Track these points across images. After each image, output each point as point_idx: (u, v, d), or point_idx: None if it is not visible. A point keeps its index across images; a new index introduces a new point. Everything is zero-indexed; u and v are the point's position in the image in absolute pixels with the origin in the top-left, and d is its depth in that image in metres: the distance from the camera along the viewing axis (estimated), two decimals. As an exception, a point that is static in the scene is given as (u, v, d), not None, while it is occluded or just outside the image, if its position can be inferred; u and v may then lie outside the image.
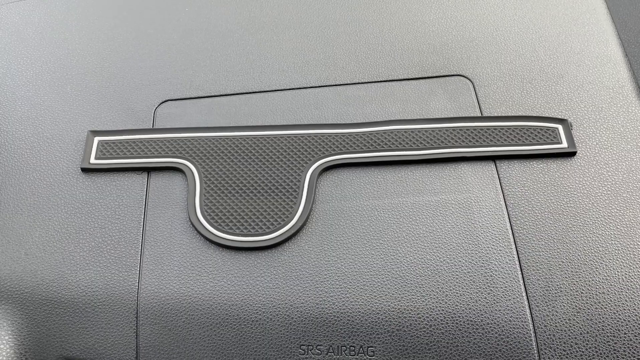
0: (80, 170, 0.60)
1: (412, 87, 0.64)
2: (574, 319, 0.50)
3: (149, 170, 0.59)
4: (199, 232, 0.55)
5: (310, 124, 0.61)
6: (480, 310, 0.50)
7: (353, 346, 0.50)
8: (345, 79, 0.65)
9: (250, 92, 0.65)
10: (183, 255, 0.54)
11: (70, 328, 0.53)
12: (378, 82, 0.65)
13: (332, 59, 0.67)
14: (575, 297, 0.51)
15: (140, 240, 0.55)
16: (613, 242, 0.53)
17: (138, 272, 0.54)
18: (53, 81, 0.67)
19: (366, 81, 0.65)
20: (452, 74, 0.65)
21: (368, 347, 0.50)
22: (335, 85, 0.65)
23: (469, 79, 0.64)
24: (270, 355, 0.51)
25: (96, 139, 0.61)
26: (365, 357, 0.50)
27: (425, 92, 0.63)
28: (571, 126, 0.60)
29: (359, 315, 0.51)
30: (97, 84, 0.66)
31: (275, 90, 0.65)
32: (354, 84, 0.65)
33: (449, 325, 0.50)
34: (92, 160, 0.60)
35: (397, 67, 0.66)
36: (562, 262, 0.52)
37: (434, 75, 0.65)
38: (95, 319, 0.53)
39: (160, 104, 0.64)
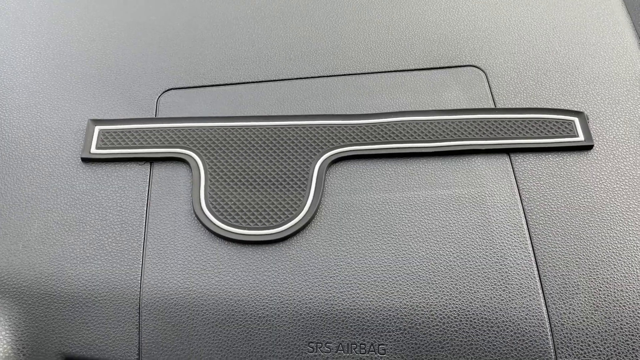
0: (80, 160, 0.58)
1: (424, 77, 0.62)
2: (592, 317, 0.48)
3: (151, 160, 0.58)
4: (203, 225, 0.53)
5: (318, 115, 0.59)
6: (495, 307, 0.49)
7: (363, 344, 0.49)
8: (354, 68, 0.63)
9: (256, 82, 0.63)
10: (187, 248, 0.53)
11: (69, 324, 0.51)
12: (388, 72, 0.63)
13: (341, 48, 0.65)
14: (593, 295, 0.49)
15: (143, 233, 0.53)
16: (632, 238, 0.51)
17: (140, 266, 0.52)
18: (52, 69, 0.65)
19: (376, 71, 0.63)
20: (465, 64, 0.63)
21: (379, 344, 0.49)
22: (345, 75, 0.63)
23: (482, 70, 0.62)
24: (277, 353, 0.49)
25: (97, 128, 0.59)
26: (376, 355, 0.48)
27: (437, 83, 0.62)
28: (587, 119, 0.58)
29: (370, 312, 0.49)
30: (97, 71, 0.64)
31: (283, 80, 0.63)
32: (364, 73, 0.63)
33: (462, 323, 0.48)
34: (93, 150, 0.58)
35: (408, 57, 0.64)
36: (580, 258, 0.50)
37: (446, 65, 0.63)
38: (96, 314, 0.51)
39: (163, 92, 0.62)
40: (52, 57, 0.66)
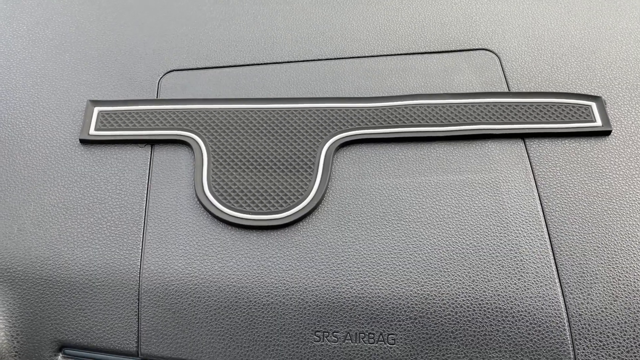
0: (78, 142, 0.56)
1: (435, 61, 0.60)
2: (610, 307, 0.46)
3: (152, 143, 0.56)
4: (206, 209, 0.51)
5: (326, 97, 0.57)
6: (510, 296, 0.47)
7: (372, 333, 0.47)
8: (363, 51, 0.61)
9: (262, 64, 0.61)
10: (188, 233, 0.51)
11: (66, 310, 0.49)
12: (398, 55, 0.61)
13: (350, 30, 0.63)
14: (612, 284, 0.47)
15: (143, 217, 0.51)
16: (652, 227, 0.49)
17: (140, 250, 0.50)
18: (51, 49, 0.63)
19: (386, 54, 0.61)
20: (477, 47, 0.61)
21: (388, 334, 0.47)
22: (353, 57, 0.61)
23: (495, 54, 0.60)
24: (282, 342, 0.47)
25: (96, 109, 0.57)
26: (385, 345, 0.46)
27: (448, 66, 0.60)
28: (605, 104, 0.56)
29: (379, 300, 0.47)
30: (98, 52, 0.62)
31: (289, 62, 0.61)
32: (373, 56, 0.61)
33: (475, 313, 0.46)
34: (92, 131, 0.56)
35: (419, 39, 0.62)
36: (598, 246, 0.48)
37: (458, 49, 0.61)
38: (93, 300, 0.49)
39: (165, 74, 0.60)
40: (51, 37, 0.64)
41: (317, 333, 0.47)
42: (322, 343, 0.47)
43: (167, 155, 0.55)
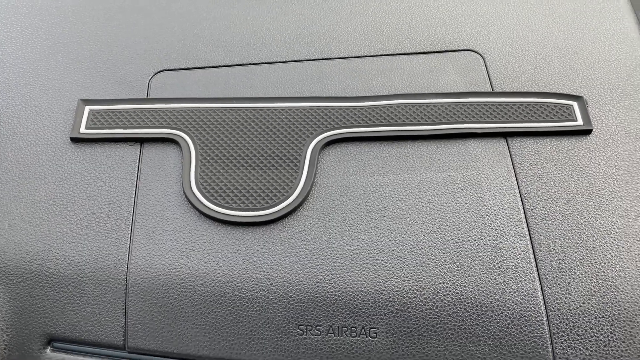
0: (69, 140, 0.57)
1: (420, 61, 0.61)
2: (588, 302, 0.47)
3: (141, 141, 0.57)
4: (193, 206, 0.52)
5: (313, 97, 0.58)
6: (490, 291, 0.48)
7: (354, 327, 0.47)
8: (350, 51, 0.62)
9: (250, 64, 0.62)
10: (176, 229, 0.51)
11: (54, 304, 0.50)
12: (384, 55, 0.62)
13: (337, 31, 0.64)
14: (591, 280, 0.48)
15: (131, 213, 0.52)
16: (630, 224, 0.50)
17: (128, 246, 0.51)
18: (44, 49, 0.64)
19: (372, 54, 0.62)
20: (462, 48, 0.62)
21: (370, 328, 0.47)
22: (340, 58, 0.62)
23: (480, 54, 0.61)
24: (266, 335, 0.48)
25: (87, 108, 0.58)
26: (367, 339, 0.47)
27: (433, 66, 0.61)
28: (587, 103, 0.57)
29: (361, 295, 0.48)
30: (89, 52, 0.63)
31: (277, 62, 0.62)
32: (359, 57, 0.62)
33: (456, 307, 0.47)
34: (82, 129, 0.57)
35: (405, 40, 0.63)
36: (577, 243, 0.49)
37: (443, 49, 0.62)
38: (81, 294, 0.50)
39: (156, 74, 0.61)
40: (44, 37, 0.65)
41: (300, 327, 0.48)
42: (305, 336, 0.47)
43: (155, 154, 0.56)
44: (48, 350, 0.50)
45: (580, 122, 0.55)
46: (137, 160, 0.55)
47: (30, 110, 0.59)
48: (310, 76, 0.60)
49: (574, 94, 0.58)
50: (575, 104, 0.56)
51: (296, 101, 0.58)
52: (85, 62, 0.62)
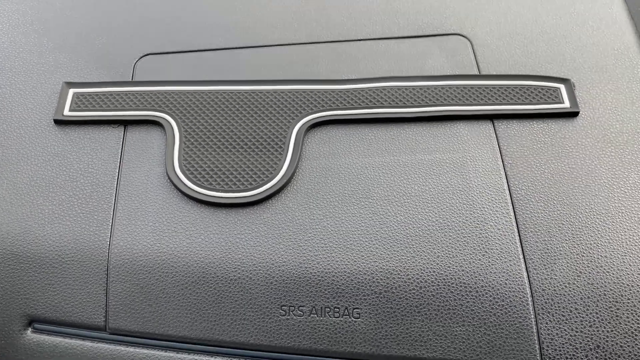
0: (53, 123, 0.56)
1: (408, 45, 0.61)
2: (573, 283, 0.47)
3: (125, 123, 0.56)
4: (176, 187, 0.52)
5: (299, 80, 0.58)
6: (474, 272, 0.47)
7: (337, 307, 0.47)
8: (337, 35, 0.62)
9: (237, 48, 0.61)
10: (158, 210, 0.51)
11: (35, 285, 0.49)
12: (372, 39, 0.61)
13: (324, 14, 0.64)
14: (576, 261, 0.47)
15: (114, 195, 0.52)
16: (616, 205, 0.50)
17: (110, 227, 0.50)
18: (29, 33, 0.63)
19: (359, 38, 0.62)
20: (450, 32, 0.61)
21: (353, 308, 0.47)
22: (327, 42, 0.61)
23: (468, 39, 0.61)
24: (248, 316, 0.47)
25: (71, 91, 0.58)
26: (350, 319, 0.47)
27: (421, 51, 0.60)
28: (574, 86, 0.56)
29: (345, 275, 0.48)
30: (74, 36, 0.63)
31: (264, 46, 0.61)
32: (347, 41, 0.62)
33: (440, 287, 0.47)
34: (66, 112, 0.56)
35: (392, 25, 0.62)
36: (562, 224, 0.49)
37: (431, 34, 0.62)
38: (62, 275, 0.49)
39: (141, 57, 0.61)
40: (30, 22, 0.65)
41: (283, 307, 0.47)
42: (288, 317, 0.47)
43: (139, 136, 0.55)
44: (29, 331, 0.49)
45: (567, 104, 0.55)
46: (121, 142, 0.55)
47: (14, 93, 0.58)
48: (296, 60, 0.60)
49: (561, 77, 0.57)
50: (562, 87, 0.56)
51: (282, 84, 0.57)
52: (70, 46, 0.62)
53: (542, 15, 0.62)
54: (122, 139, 0.55)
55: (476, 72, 0.58)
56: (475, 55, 0.59)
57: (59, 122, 0.56)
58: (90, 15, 0.65)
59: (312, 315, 0.47)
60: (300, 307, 0.47)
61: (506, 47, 0.60)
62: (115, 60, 0.61)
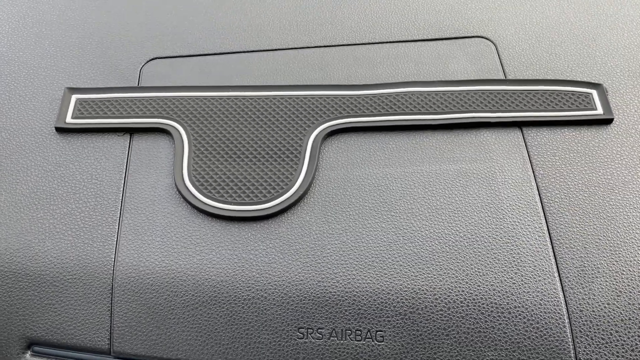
0: (54, 130, 0.53)
1: (429, 48, 0.58)
2: (614, 303, 0.43)
3: (131, 131, 0.53)
4: (185, 199, 0.49)
5: (314, 85, 0.55)
6: (506, 291, 0.44)
7: (359, 330, 0.44)
8: (353, 38, 0.59)
9: (248, 51, 0.59)
10: (167, 224, 0.48)
11: (35, 304, 0.46)
12: (390, 42, 0.59)
13: (340, 17, 0.61)
14: (615, 278, 0.44)
15: (119, 207, 0.49)
16: (657, 218, 0.47)
17: (115, 242, 0.47)
18: (30, 36, 0.61)
19: (377, 41, 0.59)
20: (473, 35, 0.59)
21: (377, 331, 0.44)
22: (343, 45, 0.59)
23: (492, 41, 0.58)
24: (263, 339, 0.44)
25: (74, 97, 0.55)
26: (373, 343, 0.43)
27: (442, 54, 0.57)
28: (606, 92, 0.53)
29: (367, 295, 0.44)
30: (78, 39, 0.60)
31: (276, 50, 0.58)
32: (364, 44, 0.59)
33: (469, 309, 0.44)
34: (68, 119, 0.53)
35: (412, 27, 0.59)
36: (600, 239, 0.46)
37: (453, 36, 0.59)
38: (64, 294, 0.46)
39: (148, 62, 0.58)
40: (31, 25, 0.62)
41: (300, 330, 0.44)
42: (306, 340, 0.44)
43: (146, 144, 0.52)
44: (27, 354, 0.46)
45: (600, 110, 0.52)
46: (126, 152, 0.52)
47: (15, 100, 0.55)
48: (311, 64, 0.57)
49: (593, 81, 0.54)
50: (594, 92, 0.53)
51: (296, 89, 0.54)
52: (73, 50, 0.59)
53: (570, 15, 0.59)
54: (127, 148, 0.52)
55: (502, 77, 0.55)
56: (500, 59, 0.56)
57: (60, 130, 0.53)
58: (93, 17, 0.62)
59: (332, 338, 0.44)
60: (319, 330, 0.44)
61: (532, 49, 0.57)
62: (120, 64, 0.58)
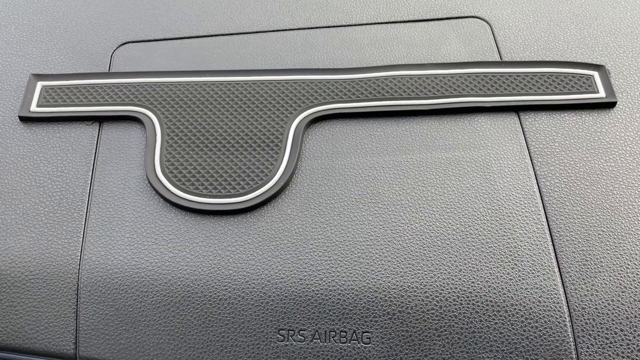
0: (17, 120, 0.51)
1: (420, 29, 0.55)
2: (617, 300, 0.41)
3: (100, 120, 0.51)
4: (157, 192, 0.46)
5: (297, 69, 0.53)
6: (503, 288, 0.42)
7: (344, 331, 0.41)
8: (339, 19, 0.56)
9: (226, 34, 0.56)
10: (137, 219, 0.46)
11: None
12: (379, 23, 0.56)
13: None
14: (619, 273, 0.42)
15: (86, 202, 0.46)
16: (664, 208, 0.44)
17: (81, 239, 0.45)
18: (-5, 20, 0.57)
19: (365, 23, 0.56)
20: (467, 15, 0.57)
21: (363, 332, 0.41)
22: (328, 26, 0.56)
23: (486, 21, 0.56)
24: (241, 342, 0.41)
25: (39, 84, 0.52)
26: (359, 345, 0.41)
27: (435, 35, 0.55)
28: (609, 73, 0.50)
29: (352, 294, 0.42)
30: (46, 23, 0.58)
31: (257, 32, 0.56)
32: (350, 25, 0.56)
33: (463, 307, 0.41)
34: (33, 108, 0.51)
35: (402, 7, 0.57)
36: (602, 231, 0.44)
37: (445, 16, 0.57)
38: (26, 295, 0.44)
39: (119, 46, 0.56)
40: (-5, 8, 0.58)
41: (281, 332, 0.42)
42: (287, 343, 0.41)
43: (116, 134, 0.50)
44: (-13, 361, 0.43)
45: (602, 93, 0.50)
46: (95, 142, 0.50)
47: (-25, 87, 0.52)
48: (294, 47, 0.55)
49: (594, 62, 0.51)
50: (595, 74, 0.51)
51: (277, 74, 0.52)
52: (41, 34, 0.57)
53: (569, -6, 0.56)
54: (96, 138, 0.50)
55: (497, 59, 0.53)
56: (495, 40, 0.54)
57: (25, 120, 0.51)
58: (62, 0, 0.59)
59: (314, 340, 0.41)
60: (301, 331, 0.41)
61: (530, 30, 0.55)
62: (91, 48, 0.56)
